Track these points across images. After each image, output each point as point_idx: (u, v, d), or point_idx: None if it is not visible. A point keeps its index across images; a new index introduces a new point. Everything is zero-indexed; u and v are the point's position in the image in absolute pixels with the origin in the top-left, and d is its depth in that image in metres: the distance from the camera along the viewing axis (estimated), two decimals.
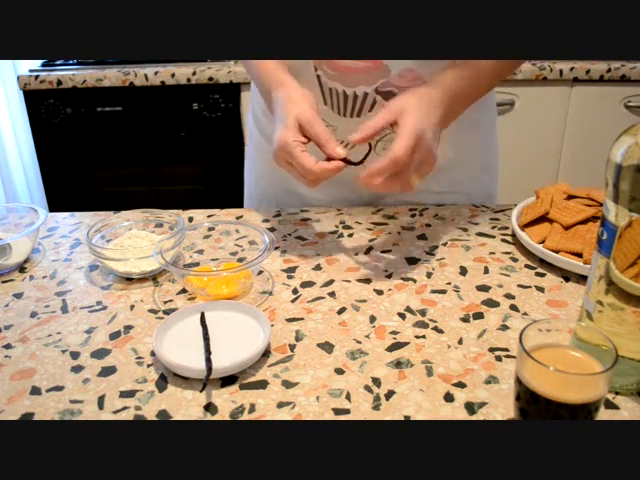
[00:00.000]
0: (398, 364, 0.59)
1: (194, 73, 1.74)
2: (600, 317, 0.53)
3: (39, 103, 1.80)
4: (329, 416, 0.53)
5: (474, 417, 0.52)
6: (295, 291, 0.72)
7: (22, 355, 0.62)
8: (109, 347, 0.63)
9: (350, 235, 0.86)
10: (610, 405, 0.53)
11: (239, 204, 1.06)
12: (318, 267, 0.77)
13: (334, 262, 0.78)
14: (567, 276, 0.73)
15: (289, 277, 0.75)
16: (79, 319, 0.68)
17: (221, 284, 0.72)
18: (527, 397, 0.45)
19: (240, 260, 0.79)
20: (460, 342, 0.62)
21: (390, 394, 0.55)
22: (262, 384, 0.57)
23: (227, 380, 0.57)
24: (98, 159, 1.89)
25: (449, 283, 0.73)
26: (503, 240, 0.83)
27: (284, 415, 0.53)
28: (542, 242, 0.77)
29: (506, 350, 0.61)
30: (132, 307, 0.70)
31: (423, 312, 0.67)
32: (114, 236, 0.81)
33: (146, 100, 1.80)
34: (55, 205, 1.94)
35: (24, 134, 2.10)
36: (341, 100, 0.84)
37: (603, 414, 0.52)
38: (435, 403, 0.54)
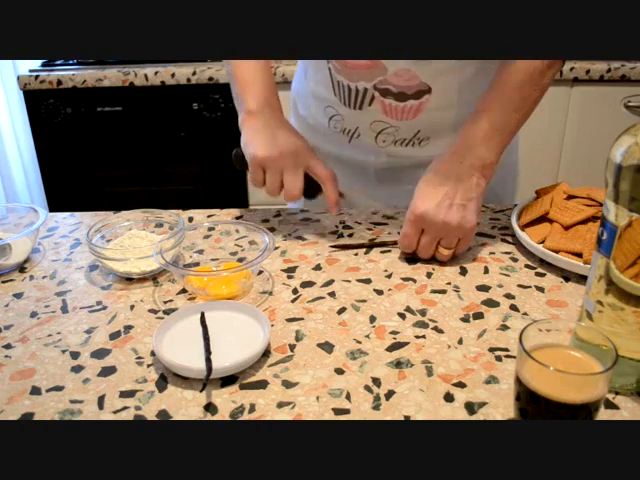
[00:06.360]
0: (398, 364, 0.59)
1: (194, 73, 1.74)
2: (600, 317, 0.53)
3: (39, 103, 1.80)
4: (329, 416, 0.53)
5: (474, 417, 0.52)
6: (295, 291, 0.72)
7: (22, 355, 0.62)
8: (109, 347, 0.63)
9: (350, 235, 0.86)
10: (610, 405, 0.53)
11: (239, 204, 1.06)
12: (318, 267, 0.77)
13: (334, 262, 0.78)
14: (567, 276, 0.73)
15: (289, 277, 0.75)
16: (79, 319, 0.68)
17: (221, 284, 0.72)
18: (527, 397, 0.45)
19: (240, 260, 0.79)
20: (460, 342, 0.62)
21: (390, 394, 0.55)
22: (262, 384, 0.57)
23: (227, 380, 0.57)
24: (98, 159, 1.89)
25: (449, 283, 0.73)
26: (503, 240, 0.83)
27: (284, 415, 0.53)
28: (542, 242, 0.77)
29: (506, 350, 0.61)
30: (132, 307, 0.70)
31: (423, 312, 0.67)
32: (114, 236, 0.81)
33: (146, 100, 1.80)
34: (55, 205, 1.94)
35: (24, 134, 2.10)
36: (346, 92, 0.89)
37: (603, 414, 0.52)
38: (435, 403, 0.54)
